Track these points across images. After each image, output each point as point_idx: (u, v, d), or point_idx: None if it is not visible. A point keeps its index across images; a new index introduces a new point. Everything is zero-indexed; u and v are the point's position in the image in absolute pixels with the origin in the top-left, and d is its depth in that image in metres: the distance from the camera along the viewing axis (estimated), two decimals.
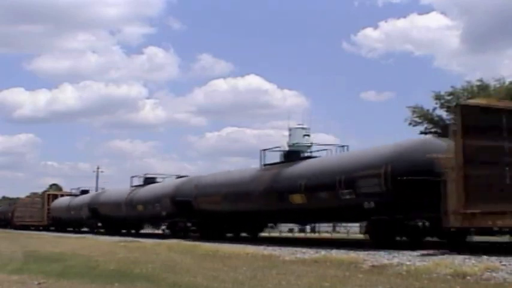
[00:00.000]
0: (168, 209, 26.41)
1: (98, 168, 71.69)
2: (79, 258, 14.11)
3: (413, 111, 39.87)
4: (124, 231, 33.67)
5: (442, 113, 39.77)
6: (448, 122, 39.63)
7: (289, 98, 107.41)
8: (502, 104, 13.73)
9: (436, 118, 39.89)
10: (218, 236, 22.23)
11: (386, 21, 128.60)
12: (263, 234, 27.27)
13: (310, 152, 24.16)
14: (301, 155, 21.93)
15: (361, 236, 24.54)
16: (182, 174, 31.06)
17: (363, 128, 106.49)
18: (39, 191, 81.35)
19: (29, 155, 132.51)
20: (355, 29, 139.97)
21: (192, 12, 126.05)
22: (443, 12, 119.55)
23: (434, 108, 39.63)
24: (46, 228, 43.77)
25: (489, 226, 12.01)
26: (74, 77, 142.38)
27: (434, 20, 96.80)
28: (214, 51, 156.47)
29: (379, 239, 15.18)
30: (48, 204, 46.11)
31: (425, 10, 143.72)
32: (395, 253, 12.02)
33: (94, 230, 35.44)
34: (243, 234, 24.20)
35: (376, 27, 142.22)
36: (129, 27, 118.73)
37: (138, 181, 32.68)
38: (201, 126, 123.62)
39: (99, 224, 35.73)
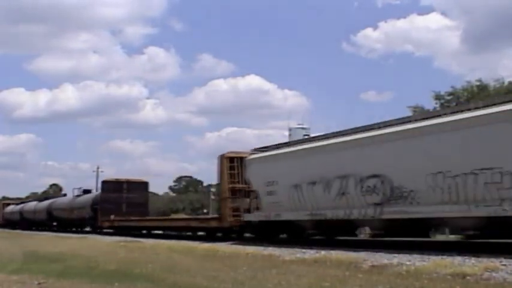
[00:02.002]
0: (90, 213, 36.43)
1: (98, 168, 71.70)
2: (79, 258, 14.11)
3: (414, 111, 39.85)
4: (74, 229, 40.36)
5: None
6: None
7: (290, 98, 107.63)
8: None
9: None
10: None
11: (386, 22, 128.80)
12: None
13: None
14: None
15: (361, 236, 24.50)
16: (182, 175, 32.44)
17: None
18: (39, 191, 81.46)
19: (29, 155, 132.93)
20: (354, 29, 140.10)
21: (193, 12, 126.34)
22: (443, 13, 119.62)
23: (434, 108, 39.62)
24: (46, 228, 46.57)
25: None
26: (75, 77, 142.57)
27: (434, 20, 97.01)
28: (215, 52, 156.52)
29: None
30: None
31: (425, 11, 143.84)
32: (395, 253, 12.01)
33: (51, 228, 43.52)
34: None
35: (375, 27, 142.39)
36: (130, 28, 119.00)
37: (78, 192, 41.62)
38: (201, 126, 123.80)
39: (54, 223, 44.51)
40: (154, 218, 35.00)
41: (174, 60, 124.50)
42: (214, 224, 22.77)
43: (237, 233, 21.25)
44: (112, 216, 32.86)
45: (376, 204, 14.20)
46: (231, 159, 21.43)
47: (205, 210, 79.99)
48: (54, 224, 43.55)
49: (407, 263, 10.29)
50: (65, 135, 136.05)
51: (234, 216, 20.59)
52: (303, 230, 17.96)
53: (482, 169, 11.70)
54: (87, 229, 38.13)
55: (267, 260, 12.26)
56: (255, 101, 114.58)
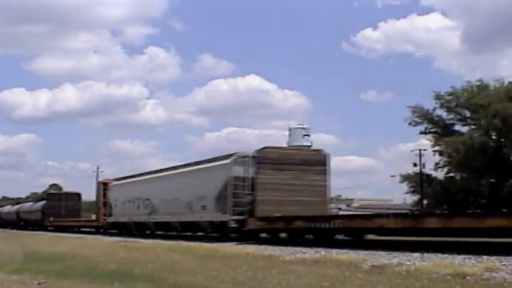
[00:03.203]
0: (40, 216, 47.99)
1: (98, 168, 71.76)
2: (79, 258, 14.11)
3: (413, 111, 39.92)
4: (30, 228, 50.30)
5: (442, 113, 39.82)
6: (448, 122, 39.75)
7: (290, 98, 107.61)
8: None
9: (436, 118, 39.92)
10: None
11: (386, 22, 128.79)
12: None
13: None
14: None
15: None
16: None
17: (363, 128, 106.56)
18: (39, 191, 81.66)
19: (29, 155, 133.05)
20: (354, 29, 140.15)
21: (193, 12, 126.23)
22: (443, 13, 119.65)
23: (434, 108, 39.70)
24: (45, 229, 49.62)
25: None
26: (75, 78, 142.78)
27: (434, 20, 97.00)
28: (215, 52, 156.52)
29: None
30: None
31: (425, 11, 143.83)
32: (395, 253, 12.02)
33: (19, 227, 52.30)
34: None
35: (375, 27, 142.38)
36: (131, 28, 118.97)
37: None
38: (201, 126, 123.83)
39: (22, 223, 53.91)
40: (77, 219, 45.94)
41: (174, 60, 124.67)
42: (94, 224, 38.69)
43: (104, 228, 34.97)
44: (51, 218, 45.96)
45: (148, 214, 27.78)
46: (105, 184, 36.41)
47: None
48: (21, 223, 53.50)
49: (407, 263, 10.29)
50: (65, 135, 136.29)
51: (104, 219, 34.87)
52: (131, 228, 30.33)
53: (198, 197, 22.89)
54: (37, 228, 47.98)
55: (267, 260, 12.26)
56: (255, 101, 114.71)
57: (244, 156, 20.81)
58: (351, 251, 13.04)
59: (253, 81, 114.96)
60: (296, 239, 17.88)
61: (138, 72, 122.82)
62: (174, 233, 26.19)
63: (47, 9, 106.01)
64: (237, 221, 19.86)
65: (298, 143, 43.91)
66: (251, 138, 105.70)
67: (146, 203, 27.88)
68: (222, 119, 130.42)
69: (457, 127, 39.96)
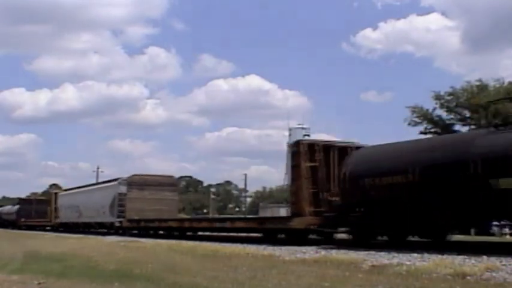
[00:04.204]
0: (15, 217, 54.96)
1: (98, 168, 72.05)
2: (79, 258, 14.11)
3: (413, 111, 39.94)
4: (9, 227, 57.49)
5: (442, 113, 39.83)
6: (448, 122, 39.78)
7: (290, 98, 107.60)
8: None
9: (435, 118, 39.93)
10: None
11: (385, 22, 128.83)
12: None
13: None
14: None
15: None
16: (182, 175, 35.38)
17: (363, 128, 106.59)
18: (39, 191, 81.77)
19: (29, 155, 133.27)
20: (354, 29, 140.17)
21: (194, 13, 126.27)
22: (443, 13, 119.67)
23: (434, 108, 39.72)
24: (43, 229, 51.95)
25: None
26: (76, 78, 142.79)
27: (434, 20, 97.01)
28: (215, 52, 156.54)
29: None
30: None
31: (425, 11, 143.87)
32: (395, 253, 12.01)
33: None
34: None
35: (375, 28, 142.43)
36: (131, 28, 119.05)
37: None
38: (201, 126, 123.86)
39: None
40: (40, 220, 51.36)
41: (174, 60, 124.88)
42: (50, 223, 47.62)
43: (55, 227, 44.64)
44: (23, 219, 54.07)
45: (78, 216, 39.50)
46: (55, 193, 48.53)
47: (205, 210, 79.97)
48: (3, 222, 61.11)
49: (407, 263, 10.28)
50: (65, 135, 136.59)
51: (55, 220, 45.62)
52: (69, 226, 40.72)
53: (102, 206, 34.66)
54: (11, 227, 56.06)
55: (267, 260, 12.25)
56: (255, 101, 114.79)
57: (124, 180, 32.49)
58: (351, 251, 13.04)
59: (253, 81, 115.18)
60: (149, 233, 28.03)
61: (139, 72, 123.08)
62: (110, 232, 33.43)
63: (48, 9, 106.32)
64: (119, 221, 31.48)
65: None
66: (251, 138, 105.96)
67: (76, 209, 39.93)
68: (222, 119, 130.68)
69: (457, 127, 40.01)
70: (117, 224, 31.13)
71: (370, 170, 14.81)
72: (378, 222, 14.41)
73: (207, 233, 25.29)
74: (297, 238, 17.30)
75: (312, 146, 17.72)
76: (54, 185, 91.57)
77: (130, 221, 30.30)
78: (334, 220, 15.93)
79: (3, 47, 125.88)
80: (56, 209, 45.71)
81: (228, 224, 22.66)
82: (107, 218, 33.21)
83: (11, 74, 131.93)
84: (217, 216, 57.32)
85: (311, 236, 18.20)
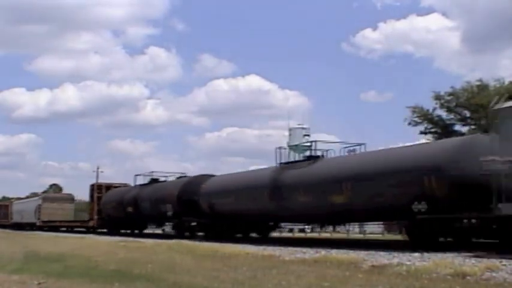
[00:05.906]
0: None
1: (98, 168, 71.93)
2: (79, 258, 14.11)
3: (413, 111, 39.83)
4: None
5: (442, 113, 39.76)
6: (448, 122, 39.77)
7: (290, 98, 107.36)
8: None
9: (436, 118, 39.86)
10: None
11: (385, 23, 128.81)
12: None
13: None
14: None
15: (360, 236, 25.55)
16: (182, 175, 31.69)
17: (363, 128, 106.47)
18: (39, 191, 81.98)
19: (29, 155, 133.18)
20: (354, 30, 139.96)
21: (194, 13, 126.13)
22: (443, 14, 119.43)
23: (434, 109, 39.58)
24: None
25: None
26: (76, 78, 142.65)
27: (434, 21, 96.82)
28: (216, 52, 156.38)
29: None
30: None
31: (425, 11, 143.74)
32: (395, 253, 12.02)
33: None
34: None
35: (375, 28, 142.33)
36: (132, 28, 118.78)
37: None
38: (201, 126, 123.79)
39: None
40: (5, 220, 62.32)
41: (175, 61, 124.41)
42: (8, 223, 60.14)
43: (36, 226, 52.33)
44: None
45: (21, 218, 56.56)
46: (11, 201, 65.40)
47: None
48: None
49: (407, 263, 10.28)
50: (65, 135, 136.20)
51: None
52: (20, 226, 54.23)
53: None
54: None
55: (267, 260, 12.26)
56: (255, 101, 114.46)
57: (41, 196, 53.91)
58: (351, 251, 13.04)
59: (254, 81, 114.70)
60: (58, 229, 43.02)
61: (139, 72, 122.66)
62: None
63: (48, 9, 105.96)
64: (38, 222, 48.28)
65: (298, 143, 43.87)
66: (251, 138, 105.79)
67: (21, 213, 56.09)
68: (222, 119, 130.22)
69: (457, 127, 39.92)
70: (38, 224, 48.18)
71: None
72: None
73: None
74: None
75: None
76: (54, 185, 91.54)
77: (44, 221, 47.62)
78: None
79: (3, 47, 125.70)
80: (11, 212, 62.52)
81: None
82: (33, 220, 50.50)
83: (11, 74, 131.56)
84: None
85: None
